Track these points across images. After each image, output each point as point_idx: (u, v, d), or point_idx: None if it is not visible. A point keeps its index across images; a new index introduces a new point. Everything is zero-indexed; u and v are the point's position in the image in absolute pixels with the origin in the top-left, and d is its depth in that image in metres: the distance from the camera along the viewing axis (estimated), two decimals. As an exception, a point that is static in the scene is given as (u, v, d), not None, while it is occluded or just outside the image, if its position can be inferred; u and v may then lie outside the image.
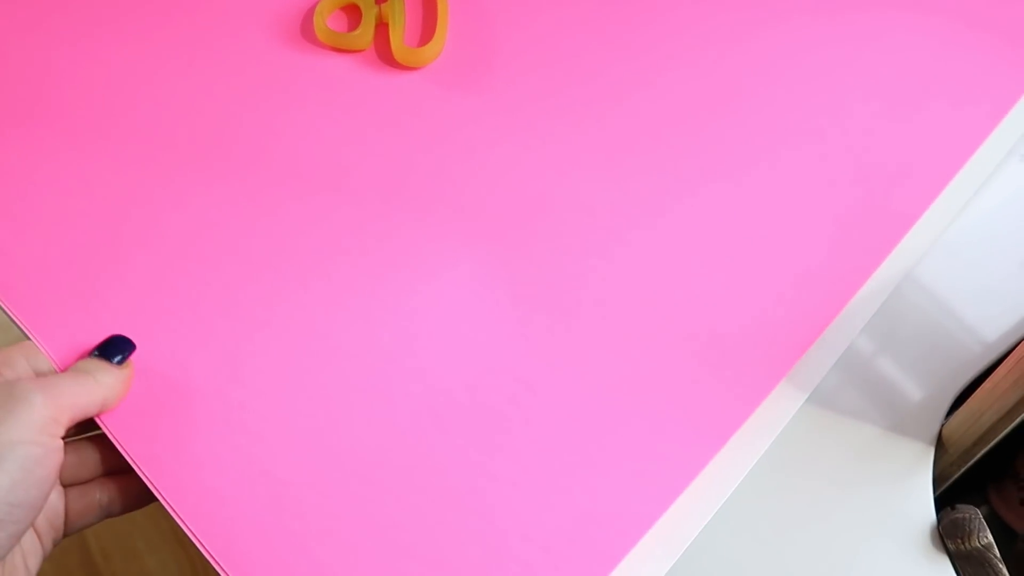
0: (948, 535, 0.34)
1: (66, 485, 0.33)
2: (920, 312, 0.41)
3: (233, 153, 0.43)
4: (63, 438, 0.30)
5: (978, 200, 0.45)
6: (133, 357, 0.35)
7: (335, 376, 0.36)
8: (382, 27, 0.49)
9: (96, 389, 0.32)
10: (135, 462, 0.33)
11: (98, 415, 0.33)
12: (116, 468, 0.35)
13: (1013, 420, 0.34)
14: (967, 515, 0.33)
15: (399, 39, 0.47)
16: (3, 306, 0.37)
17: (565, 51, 0.49)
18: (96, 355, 0.34)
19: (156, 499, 0.33)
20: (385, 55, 0.48)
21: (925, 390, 0.39)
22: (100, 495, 0.34)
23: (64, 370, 0.34)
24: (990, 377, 0.34)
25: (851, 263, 0.42)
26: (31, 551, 0.31)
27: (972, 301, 0.42)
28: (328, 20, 0.49)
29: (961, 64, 0.50)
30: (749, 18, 0.51)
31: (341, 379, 0.36)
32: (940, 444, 0.37)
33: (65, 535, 0.33)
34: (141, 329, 0.37)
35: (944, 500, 0.36)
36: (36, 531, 0.31)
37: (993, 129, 0.47)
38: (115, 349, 0.34)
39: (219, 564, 0.32)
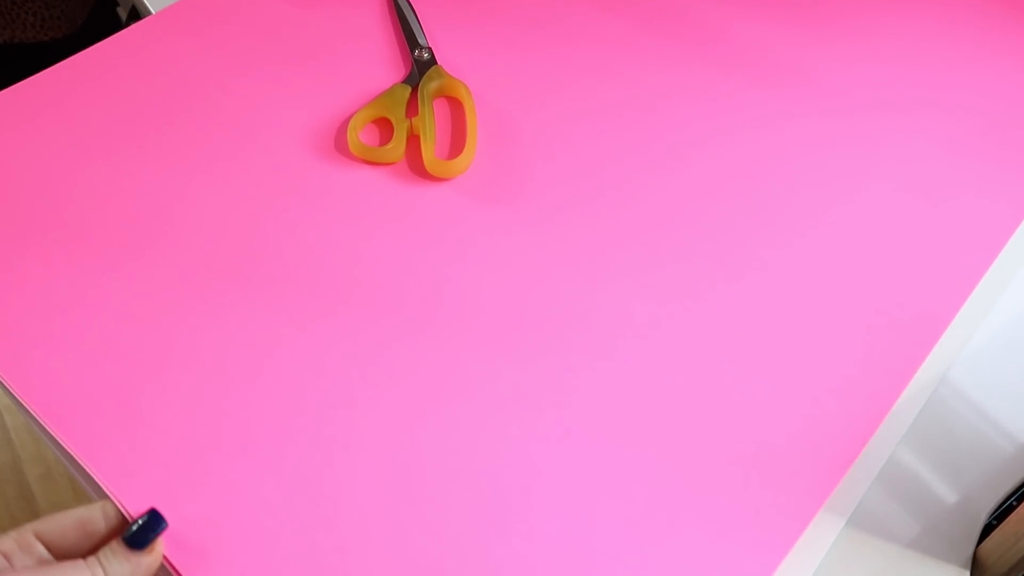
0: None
1: None
2: (950, 418, 0.42)
3: (271, 271, 0.44)
4: None
5: (1000, 304, 0.46)
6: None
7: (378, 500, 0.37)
8: (413, 139, 0.51)
9: None
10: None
11: None
12: None
13: (1050, 545, 0.34)
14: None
15: (430, 152, 0.49)
16: (53, 434, 0.38)
17: (590, 160, 0.50)
18: (124, 539, 0.33)
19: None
20: (417, 167, 0.50)
21: (960, 504, 0.39)
22: None
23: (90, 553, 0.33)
24: (1017, 510, 0.35)
25: (886, 373, 0.42)
26: None
27: (1000, 404, 0.43)
28: (360, 134, 0.50)
29: (977, 168, 0.51)
30: (768, 137, 0.53)
31: (383, 498, 0.37)
32: (975, 566, 0.37)
33: None
34: (182, 455, 0.37)
35: (981, 623, 0.36)
36: None
37: (1012, 233, 0.48)
38: (139, 536, 0.33)
39: None
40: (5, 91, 0.52)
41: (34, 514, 0.98)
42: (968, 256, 0.48)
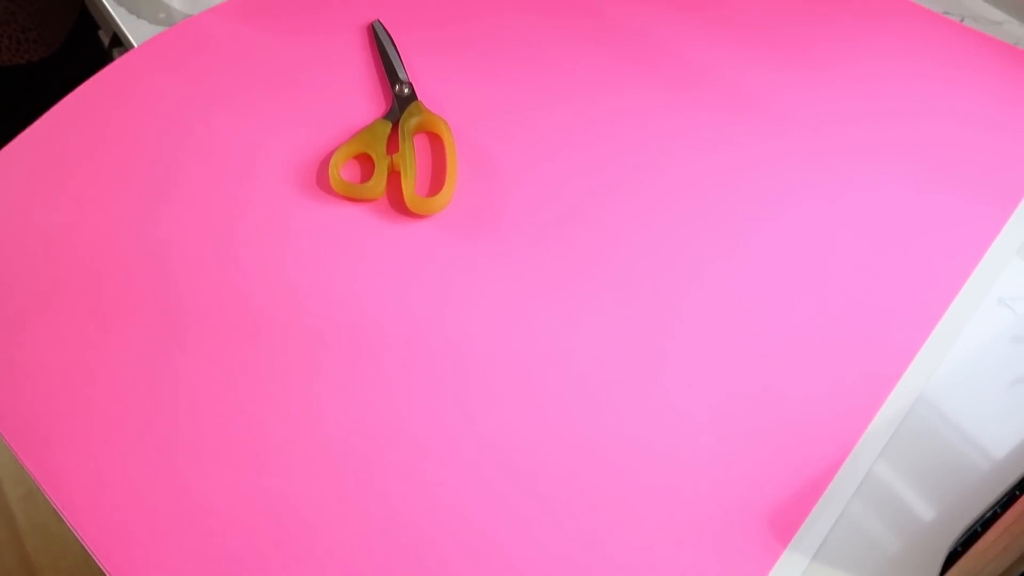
0: None
1: None
2: (923, 438, 0.44)
3: (253, 310, 0.45)
4: None
5: (960, 342, 0.48)
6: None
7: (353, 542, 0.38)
8: (394, 175, 0.52)
9: None
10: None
11: None
12: None
13: (1008, 580, 0.36)
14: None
15: (411, 189, 0.50)
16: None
17: (568, 190, 0.51)
18: None
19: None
20: (398, 203, 0.50)
21: (925, 530, 0.41)
22: None
23: None
24: (982, 538, 0.36)
25: (856, 400, 0.44)
26: None
27: (976, 423, 0.45)
28: (342, 170, 0.51)
29: (936, 209, 0.53)
30: (740, 162, 0.54)
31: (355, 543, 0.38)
32: (938, 599, 0.38)
33: None
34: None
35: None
36: None
37: (984, 252, 0.50)
38: None
39: None
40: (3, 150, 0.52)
41: (14, 534, 0.98)
42: (939, 276, 0.49)
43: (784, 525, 0.39)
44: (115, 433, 0.40)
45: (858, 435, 0.43)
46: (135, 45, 0.60)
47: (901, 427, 0.44)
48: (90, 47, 1.04)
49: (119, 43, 0.76)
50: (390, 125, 0.53)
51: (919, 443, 0.44)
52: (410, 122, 0.53)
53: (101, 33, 0.92)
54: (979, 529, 0.42)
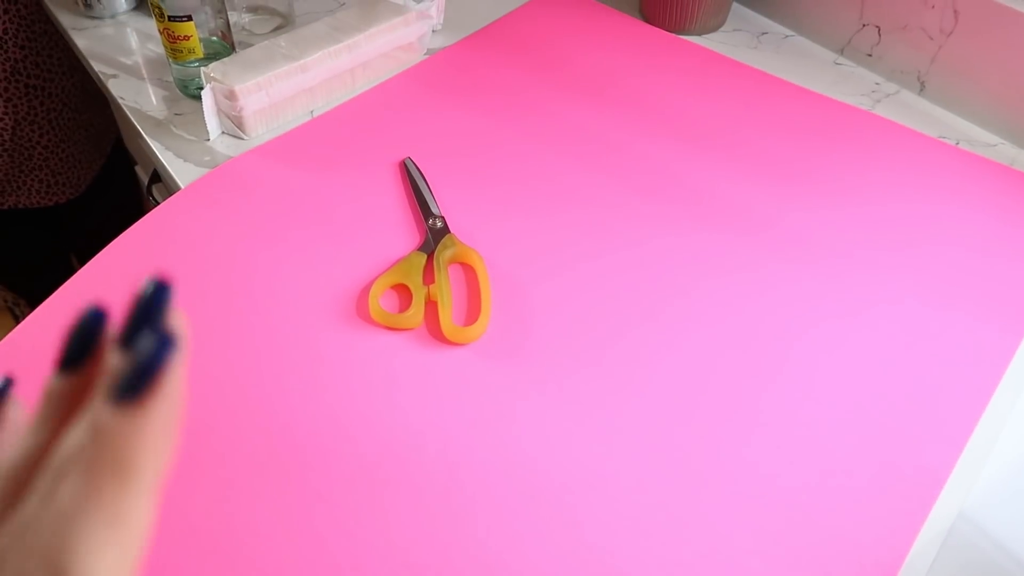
0: None
1: None
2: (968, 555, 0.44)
3: (296, 437, 0.46)
4: None
5: (991, 458, 0.49)
6: None
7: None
8: (431, 304, 0.54)
9: None
10: None
11: None
12: None
13: None
14: None
15: (448, 318, 0.52)
16: None
17: (599, 322, 0.53)
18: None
19: None
20: (435, 331, 0.52)
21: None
22: None
23: None
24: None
25: (892, 534, 0.44)
26: None
27: (1008, 545, 0.45)
28: (381, 300, 0.53)
29: (952, 329, 0.55)
30: (761, 289, 0.56)
31: None
32: None
33: None
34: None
35: None
36: None
37: (1012, 357, 0.51)
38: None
39: None
40: (51, 297, 0.54)
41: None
42: (964, 395, 0.50)
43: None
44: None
45: (903, 556, 0.43)
46: (179, 183, 0.64)
47: (945, 545, 0.44)
48: (114, 185, 1.09)
49: (158, 179, 0.80)
50: (425, 257, 0.56)
51: (963, 560, 0.44)
52: (444, 254, 0.56)
53: (138, 169, 0.97)
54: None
